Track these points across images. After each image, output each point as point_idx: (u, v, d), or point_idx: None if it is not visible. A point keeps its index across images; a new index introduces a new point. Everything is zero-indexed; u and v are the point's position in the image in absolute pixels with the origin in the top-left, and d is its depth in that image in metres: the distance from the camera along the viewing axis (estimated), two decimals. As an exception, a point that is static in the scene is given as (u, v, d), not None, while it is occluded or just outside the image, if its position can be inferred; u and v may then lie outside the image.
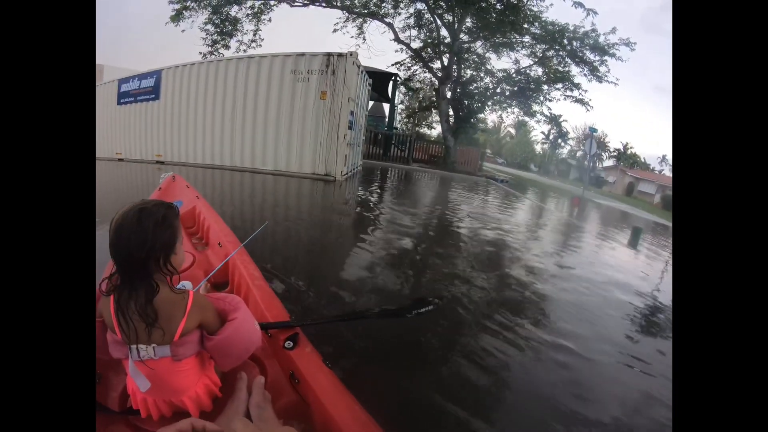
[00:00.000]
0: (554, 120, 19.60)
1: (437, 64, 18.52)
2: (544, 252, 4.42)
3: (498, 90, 18.92)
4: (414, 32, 18.11)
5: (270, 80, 8.41)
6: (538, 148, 55.09)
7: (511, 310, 2.44)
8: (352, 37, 18.40)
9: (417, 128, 25.28)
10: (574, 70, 17.39)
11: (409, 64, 19.15)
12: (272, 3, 17.29)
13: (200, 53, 17.36)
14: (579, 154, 47.63)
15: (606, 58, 16.57)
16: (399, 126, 23.53)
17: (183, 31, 17.09)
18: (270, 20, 17.61)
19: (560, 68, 17.59)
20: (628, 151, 47.17)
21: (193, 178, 7.06)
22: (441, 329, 2.09)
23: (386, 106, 21.28)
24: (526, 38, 17.13)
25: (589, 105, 17.86)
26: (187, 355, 0.91)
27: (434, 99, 19.59)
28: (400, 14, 17.59)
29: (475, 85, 18.95)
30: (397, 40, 17.94)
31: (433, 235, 4.60)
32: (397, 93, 20.02)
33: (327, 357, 1.09)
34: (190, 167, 9.07)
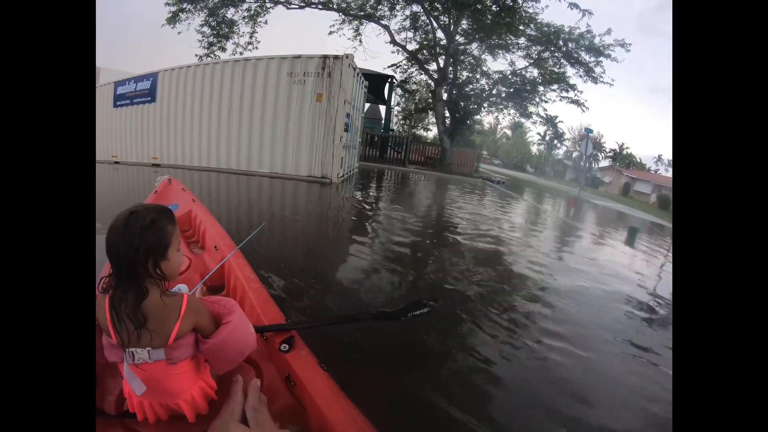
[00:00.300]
0: (550, 121, 19.71)
1: (433, 66, 18.60)
2: (540, 253, 4.44)
3: (494, 91, 18.99)
4: (410, 34, 18.20)
5: (266, 83, 8.41)
6: (534, 149, 55.32)
7: (507, 310, 2.45)
8: (349, 39, 18.49)
9: (413, 130, 25.32)
10: (570, 71, 17.53)
11: (406, 66, 19.24)
12: (268, 5, 17.30)
13: (196, 55, 17.36)
14: (575, 154, 47.86)
15: (601, 59, 16.68)
16: (395, 128, 23.57)
17: (179, 33, 17.10)
18: (266, 22, 17.59)
19: (556, 69, 17.68)
20: (624, 152, 47.42)
21: (189, 180, 7.05)
22: (437, 331, 2.10)
23: (382, 108, 21.32)
24: (522, 40, 17.20)
25: (584, 106, 18.00)
26: (182, 358, 0.91)
27: (430, 101, 19.63)
28: (396, 16, 17.67)
29: (471, 86, 19.03)
30: (393, 42, 17.98)
31: (429, 237, 4.61)
32: (393, 95, 20.08)
33: (322, 360, 1.10)
34: (186, 170, 9.04)
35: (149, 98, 10.46)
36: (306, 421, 0.97)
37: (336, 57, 7.93)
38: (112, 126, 11.76)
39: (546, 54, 17.47)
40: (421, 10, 17.21)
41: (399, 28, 17.98)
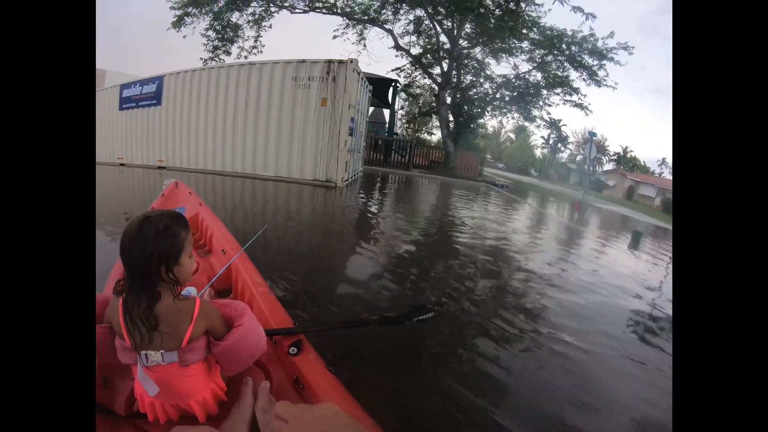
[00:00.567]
0: (554, 124, 19.66)
1: (437, 70, 18.66)
2: (543, 257, 4.44)
3: (497, 95, 19.02)
4: (414, 38, 18.27)
5: (271, 87, 8.47)
6: (538, 152, 55.27)
7: (512, 312, 2.46)
8: (353, 43, 18.58)
9: (417, 133, 25.35)
10: (573, 74, 17.50)
11: (409, 70, 19.31)
12: (273, 10, 17.44)
13: (201, 59, 17.50)
14: (579, 158, 47.75)
15: (604, 62, 16.67)
16: (399, 131, 23.61)
17: (185, 37, 17.26)
18: (271, 27, 17.76)
19: (559, 73, 17.68)
20: (628, 155, 47.29)
21: (194, 183, 7.10)
22: (441, 335, 2.11)
23: (386, 112, 21.37)
24: (525, 43, 17.22)
25: (588, 109, 17.97)
26: (194, 360, 0.93)
27: (434, 105, 19.67)
28: (399, 20, 17.76)
29: (474, 90, 19.07)
30: (397, 46, 18.07)
31: (433, 242, 4.62)
32: (397, 99, 20.13)
33: (330, 363, 1.12)
34: (191, 173, 9.10)
35: (155, 101, 10.56)
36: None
37: (340, 62, 7.98)
38: (118, 128, 11.88)
39: (549, 57, 17.46)
40: (425, 15, 17.30)
41: (403, 32, 18.12)
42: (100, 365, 1.04)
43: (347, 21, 17.64)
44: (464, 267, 3.53)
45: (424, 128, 26.19)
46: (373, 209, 6.53)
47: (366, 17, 17.42)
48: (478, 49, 18.29)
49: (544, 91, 18.21)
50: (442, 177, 16.33)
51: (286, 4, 17.25)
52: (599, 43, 16.43)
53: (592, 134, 19.64)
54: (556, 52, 17.02)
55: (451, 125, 18.70)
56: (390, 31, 17.81)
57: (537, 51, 17.48)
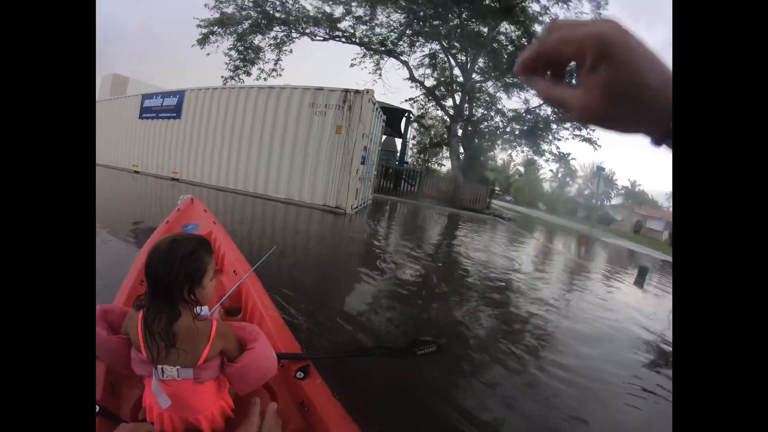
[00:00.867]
0: (563, 158, 19.74)
1: (449, 102, 19.03)
2: (548, 294, 4.43)
3: (508, 129, 19.25)
4: (428, 71, 18.75)
5: (288, 111, 8.68)
6: (546, 185, 55.27)
7: (514, 343, 2.47)
8: (369, 72, 18.99)
9: (427, 163, 25.56)
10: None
11: (423, 102, 19.72)
12: (294, 35, 18.05)
13: (222, 77, 18.04)
14: (587, 192, 47.69)
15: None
16: (410, 161, 23.83)
17: (208, 54, 17.83)
18: (291, 51, 18.35)
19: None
20: (636, 189, 47.15)
21: (206, 199, 7.22)
22: (443, 367, 2.13)
23: (398, 141, 21.61)
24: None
25: (596, 144, 18.11)
26: (208, 378, 0.98)
27: (446, 136, 19.93)
28: (415, 53, 18.30)
29: (485, 123, 19.35)
30: (412, 78, 18.52)
31: (437, 274, 4.65)
32: (409, 129, 20.45)
33: (334, 389, 1.16)
34: (203, 188, 9.25)
35: (175, 114, 10.87)
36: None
37: (357, 91, 8.17)
38: (136, 136, 12.20)
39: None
40: (440, 48, 17.79)
41: (417, 65, 18.61)
42: (110, 372, 1.09)
43: (365, 50, 18.21)
44: (464, 301, 3.55)
45: (434, 159, 26.43)
46: (379, 241, 6.57)
47: (383, 48, 17.96)
48: (490, 84, 18.69)
49: (554, 126, 18.38)
50: (450, 208, 16.38)
51: (308, 31, 17.90)
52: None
53: (601, 169, 19.67)
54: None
55: (462, 157, 18.89)
56: (405, 63, 18.34)
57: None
